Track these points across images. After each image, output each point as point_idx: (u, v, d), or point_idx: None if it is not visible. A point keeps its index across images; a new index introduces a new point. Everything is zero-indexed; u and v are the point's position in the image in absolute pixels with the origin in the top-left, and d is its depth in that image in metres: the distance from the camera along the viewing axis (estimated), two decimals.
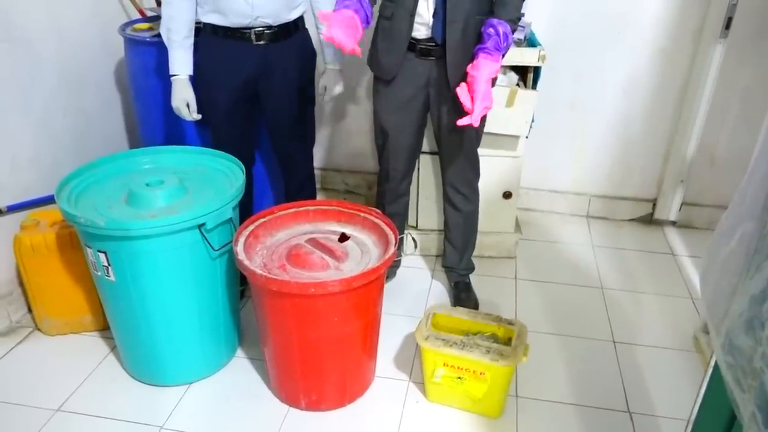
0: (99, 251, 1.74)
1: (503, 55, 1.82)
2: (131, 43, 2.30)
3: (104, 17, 2.48)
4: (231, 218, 1.84)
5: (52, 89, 2.27)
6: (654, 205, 2.91)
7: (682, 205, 2.86)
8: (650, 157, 2.84)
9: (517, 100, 2.27)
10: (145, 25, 2.38)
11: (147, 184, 1.85)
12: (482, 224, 2.37)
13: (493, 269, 2.56)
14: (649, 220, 2.94)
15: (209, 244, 1.77)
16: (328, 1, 2.06)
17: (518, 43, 2.32)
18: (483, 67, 1.76)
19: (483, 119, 2.07)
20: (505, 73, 2.35)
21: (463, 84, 1.78)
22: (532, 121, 2.39)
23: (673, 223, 2.91)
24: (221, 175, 1.99)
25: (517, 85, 2.34)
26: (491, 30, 1.77)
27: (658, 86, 2.69)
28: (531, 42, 2.36)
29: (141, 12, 2.52)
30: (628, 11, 2.57)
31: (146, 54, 2.25)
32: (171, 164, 2.04)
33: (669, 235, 2.85)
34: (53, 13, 2.24)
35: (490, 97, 1.80)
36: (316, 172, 3.10)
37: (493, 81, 1.89)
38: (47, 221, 2.07)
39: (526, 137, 2.42)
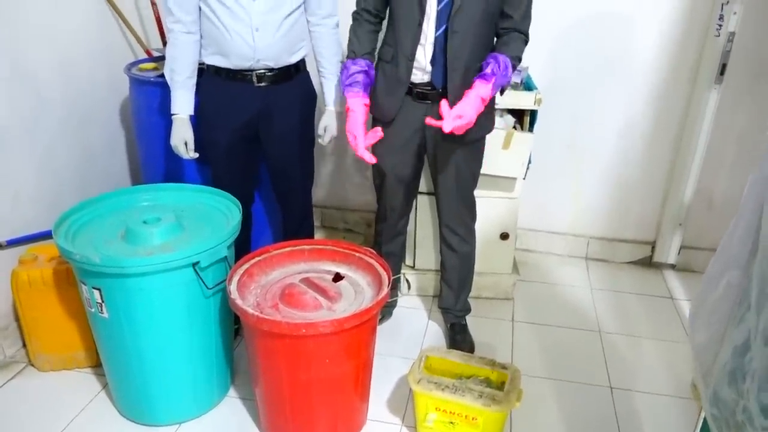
0: (94, 288, 1.74)
1: (502, 90, 1.85)
2: (136, 82, 2.35)
3: (112, 56, 2.54)
4: (226, 257, 1.84)
5: (57, 125, 2.31)
6: (653, 247, 2.91)
7: (681, 248, 2.85)
8: (648, 199, 2.85)
9: (514, 143, 2.30)
10: (150, 65, 2.44)
11: (144, 222, 1.86)
12: (479, 265, 2.37)
13: (490, 311, 2.54)
14: (648, 263, 2.93)
15: (203, 282, 1.78)
16: (330, 45, 2.12)
17: (515, 87, 2.35)
18: (476, 86, 1.79)
19: (479, 159, 2.11)
20: (501, 116, 2.38)
21: (444, 101, 1.78)
22: (529, 162, 2.41)
23: (673, 267, 2.89)
24: (218, 214, 2.00)
25: (514, 127, 2.37)
26: (491, 59, 1.81)
27: (654, 130, 2.72)
28: (527, 85, 2.40)
29: (147, 52, 2.58)
30: (624, 56, 2.62)
31: (150, 93, 2.30)
32: (169, 201, 2.06)
33: (668, 279, 2.83)
34: (61, 52, 2.30)
35: (469, 111, 1.76)
36: (316, 210, 3.13)
37: (492, 118, 1.91)
38: (45, 256, 2.08)
39: (524, 179, 2.44)
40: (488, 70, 1.79)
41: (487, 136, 2.09)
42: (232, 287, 1.76)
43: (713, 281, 1.06)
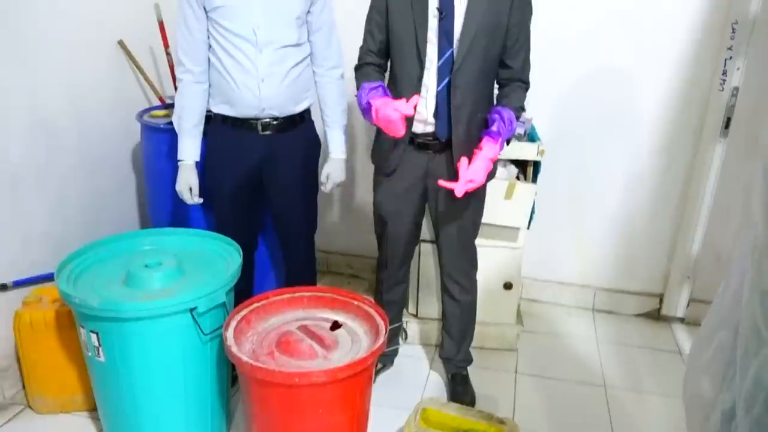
0: (91, 331, 1.75)
1: (507, 140, 1.88)
2: (147, 128, 2.42)
3: (126, 103, 2.62)
4: (224, 302, 1.85)
5: (69, 170, 2.37)
6: (661, 300, 2.86)
7: (689, 301, 2.80)
8: (655, 251, 2.82)
9: (516, 193, 2.31)
10: (162, 112, 2.51)
11: (146, 266, 1.88)
12: (483, 315, 2.35)
13: (493, 362, 2.50)
14: (656, 316, 2.88)
15: (200, 328, 1.78)
16: (335, 95, 2.17)
17: (519, 138, 2.38)
18: (485, 147, 1.84)
19: (480, 209, 2.12)
20: (504, 166, 2.40)
21: (464, 158, 1.82)
22: (533, 213, 2.42)
23: (681, 320, 2.84)
24: (219, 259, 2.02)
25: (517, 178, 2.38)
26: (496, 115, 1.86)
27: (660, 182, 2.72)
28: (531, 137, 2.42)
29: (160, 99, 2.66)
30: (628, 109, 2.64)
31: (160, 139, 2.36)
32: (172, 246, 2.09)
33: (677, 332, 2.78)
34: (77, 100, 2.38)
35: (480, 174, 1.82)
36: (322, 255, 3.15)
37: (494, 166, 1.94)
38: (49, 298, 2.11)
39: (527, 228, 2.44)
40: (494, 128, 1.83)
41: (490, 186, 2.11)
42: (229, 333, 1.76)
43: (705, 342, 1.04)
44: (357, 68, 2.02)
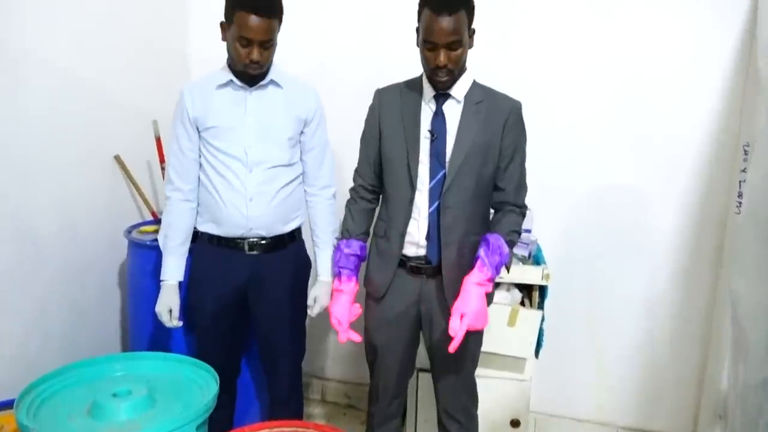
0: None
1: (497, 268, 1.85)
2: (133, 245, 2.45)
3: (118, 217, 2.67)
4: None
5: (52, 283, 2.34)
6: None
7: None
8: (681, 385, 2.69)
9: (519, 320, 2.26)
10: (153, 227, 2.55)
11: (114, 395, 1.83)
12: None
13: None
14: None
15: None
16: (326, 216, 2.20)
17: (523, 260, 2.37)
18: (472, 273, 1.80)
19: (479, 339, 2.06)
20: (508, 290, 2.37)
21: (455, 318, 1.78)
22: (541, 341, 2.35)
23: None
24: (195, 387, 1.96)
25: (522, 303, 2.34)
26: (484, 243, 1.83)
27: (681, 306, 2.64)
28: (537, 259, 2.41)
29: (153, 213, 2.72)
30: (641, 230, 2.62)
31: (145, 257, 2.38)
32: (145, 372, 2.03)
33: None
34: (68, 214, 2.41)
35: (482, 316, 1.80)
36: (316, 382, 3.07)
37: (489, 297, 1.91)
38: (10, 427, 2.05)
39: (536, 358, 2.36)
40: (481, 253, 1.81)
41: (492, 312, 2.06)
42: None
43: None
44: (351, 193, 2.08)
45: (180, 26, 3.05)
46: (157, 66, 2.86)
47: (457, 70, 1.82)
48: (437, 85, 1.86)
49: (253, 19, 1.88)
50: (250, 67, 1.95)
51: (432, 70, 1.81)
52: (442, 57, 1.76)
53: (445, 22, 1.72)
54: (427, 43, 1.78)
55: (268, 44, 1.94)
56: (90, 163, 2.53)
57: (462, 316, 1.75)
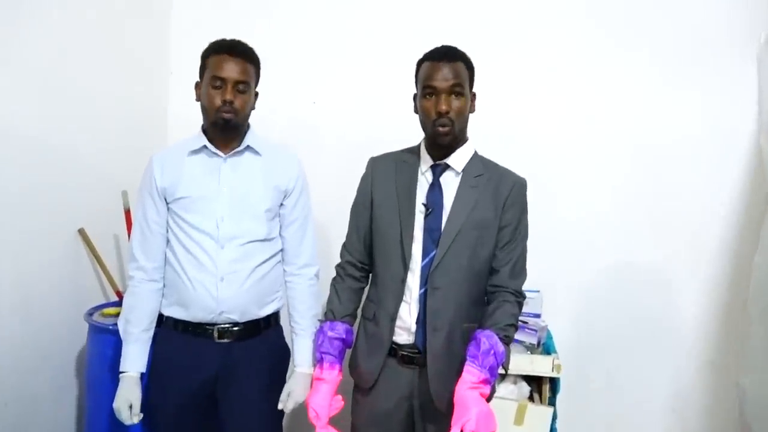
0: None
1: (492, 371, 1.71)
2: (94, 329, 2.32)
3: (79, 296, 2.54)
4: None
5: (3, 369, 2.21)
6: None
7: None
8: None
9: (528, 417, 2.11)
10: (115, 310, 2.41)
11: None
12: None
13: None
14: None
15: None
16: (306, 299, 2.07)
17: (531, 350, 2.23)
18: (462, 384, 1.67)
19: None
20: (515, 383, 2.23)
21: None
22: None
23: None
24: None
25: (530, 398, 2.20)
26: (473, 342, 1.71)
27: (713, 404, 2.51)
28: (547, 348, 2.28)
29: (118, 293, 2.60)
30: (665, 314, 2.52)
31: (105, 343, 2.24)
32: None
33: None
34: (22, 290, 2.29)
35: (488, 417, 1.64)
36: None
37: (489, 398, 1.77)
38: None
39: None
40: (471, 348, 1.70)
41: (498, 409, 1.89)
42: None
43: None
44: (337, 270, 1.99)
45: (159, 89, 3.02)
46: (131, 130, 2.80)
47: (458, 124, 1.77)
48: (438, 138, 1.78)
49: (227, 58, 1.87)
50: (222, 110, 1.87)
51: (433, 123, 1.76)
52: (444, 103, 1.73)
53: (446, 68, 1.74)
54: (427, 89, 1.76)
55: (243, 87, 1.89)
56: (51, 236, 2.42)
57: (463, 428, 1.59)
